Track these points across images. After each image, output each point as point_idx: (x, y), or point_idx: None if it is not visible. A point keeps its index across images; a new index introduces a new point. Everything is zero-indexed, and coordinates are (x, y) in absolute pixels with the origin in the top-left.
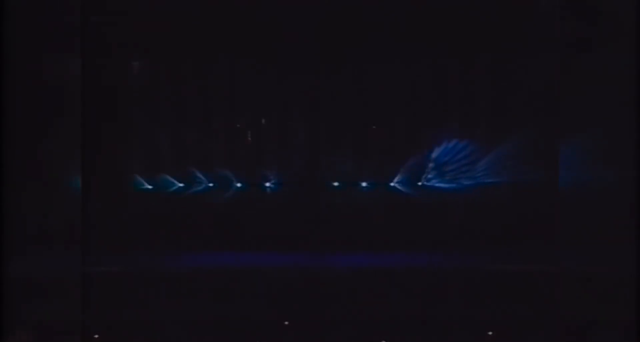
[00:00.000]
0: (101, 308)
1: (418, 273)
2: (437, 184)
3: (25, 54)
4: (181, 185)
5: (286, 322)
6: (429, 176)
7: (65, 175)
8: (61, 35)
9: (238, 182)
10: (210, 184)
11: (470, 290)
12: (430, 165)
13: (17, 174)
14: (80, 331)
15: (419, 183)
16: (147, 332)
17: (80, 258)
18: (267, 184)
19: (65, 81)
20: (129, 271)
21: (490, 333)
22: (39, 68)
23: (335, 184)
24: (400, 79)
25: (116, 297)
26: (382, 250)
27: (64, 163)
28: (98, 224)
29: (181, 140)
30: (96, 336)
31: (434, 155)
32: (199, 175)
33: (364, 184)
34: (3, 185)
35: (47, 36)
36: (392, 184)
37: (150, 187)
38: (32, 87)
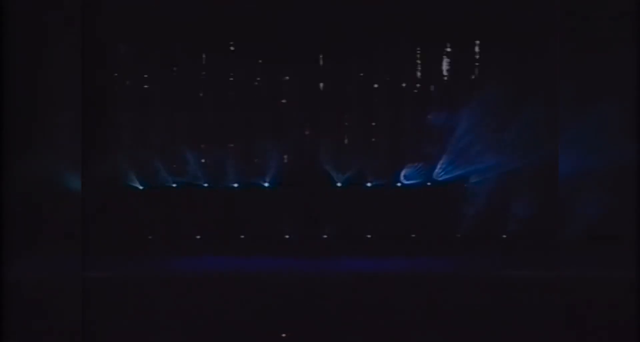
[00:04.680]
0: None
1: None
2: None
3: (24, 51)
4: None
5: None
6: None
7: (65, 176)
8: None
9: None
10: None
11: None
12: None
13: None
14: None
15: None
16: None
17: (80, 261)
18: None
19: (65, 80)
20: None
21: None
22: (38, 67)
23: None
24: None
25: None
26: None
27: (63, 163)
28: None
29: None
30: None
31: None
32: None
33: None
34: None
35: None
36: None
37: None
38: (31, 86)
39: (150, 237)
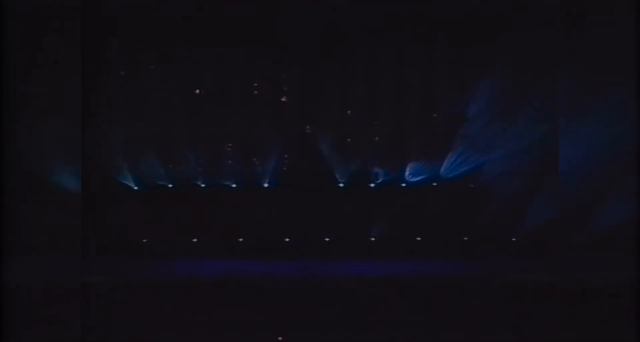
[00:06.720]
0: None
1: None
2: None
3: (24, 51)
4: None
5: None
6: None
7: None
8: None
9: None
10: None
11: None
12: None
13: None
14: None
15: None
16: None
17: (79, 263)
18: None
19: (65, 79)
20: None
21: None
22: (38, 67)
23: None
24: None
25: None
26: None
27: (63, 163)
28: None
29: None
30: None
31: None
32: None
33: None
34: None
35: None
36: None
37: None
38: (31, 86)
39: (144, 240)
